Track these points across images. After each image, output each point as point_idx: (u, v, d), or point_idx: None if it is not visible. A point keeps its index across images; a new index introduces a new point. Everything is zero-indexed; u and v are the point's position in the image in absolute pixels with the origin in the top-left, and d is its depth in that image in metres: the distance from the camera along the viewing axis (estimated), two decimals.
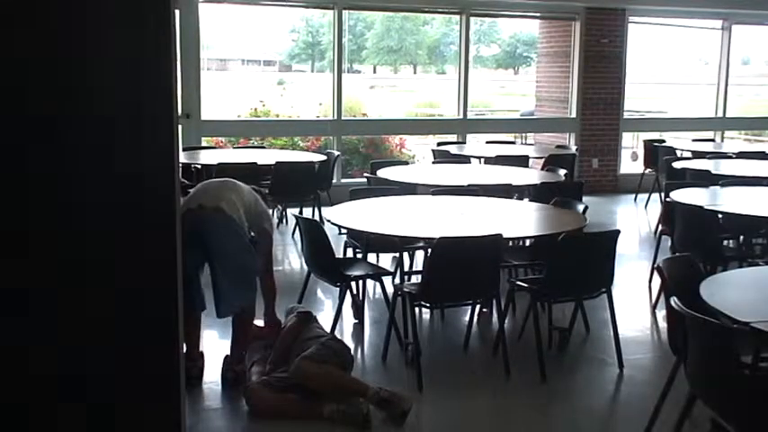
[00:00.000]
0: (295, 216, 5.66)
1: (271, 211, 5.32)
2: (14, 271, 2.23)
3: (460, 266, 4.19)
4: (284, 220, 8.30)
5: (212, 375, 4.22)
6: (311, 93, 14.48)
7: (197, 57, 9.08)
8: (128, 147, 2.29)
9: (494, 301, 4.62)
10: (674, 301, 3.00)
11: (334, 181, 8.42)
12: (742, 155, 8.84)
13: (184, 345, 3.77)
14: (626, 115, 11.16)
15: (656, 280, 5.33)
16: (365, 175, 7.15)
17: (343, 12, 9.79)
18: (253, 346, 4.37)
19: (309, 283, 5.13)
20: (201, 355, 4.32)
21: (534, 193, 6.25)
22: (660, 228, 6.74)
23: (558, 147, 9.77)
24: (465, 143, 9.85)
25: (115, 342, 2.34)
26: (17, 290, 2.24)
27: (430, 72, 22.86)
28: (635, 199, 10.11)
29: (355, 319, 5.22)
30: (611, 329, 4.57)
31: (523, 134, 12.66)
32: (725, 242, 5.94)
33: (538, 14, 11.33)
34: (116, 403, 2.38)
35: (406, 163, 8.82)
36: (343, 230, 5.19)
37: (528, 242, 5.65)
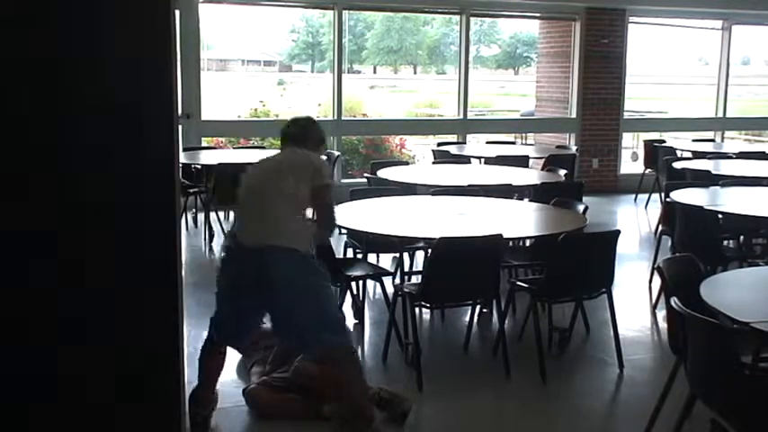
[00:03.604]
0: None
1: None
2: (15, 271, 2.23)
3: (460, 267, 4.18)
4: None
5: None
6: (311, 93, 14.50)
7: (197, 57, 9.08)
8: (128, 147, 2.29)
9: (494, 302, 4.62)
10: (674, 301, 3.00)
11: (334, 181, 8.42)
12: (742, 155, 8.83)
13: (204, 379, 3.67)
14: (626, 115, 11.15)
15: (656, 280, 5.34)
16: (365, 175, 7.14)
17: (344, 12, 9.79)
18: (252, 346, 4.36)
19: None
20: (216, 396, 3.75)
21: (534, 193, 6.24)
22: (660, 228, 6.74)
23: (558, 147, 9.77)
24: (465, 143, 9.84)
25: (115, 342, 2.34)
26: (18, 290, 2.24)
27: (430, 72, 22.91)
28: (635, 199, 10.11)
29: (355, 319, 5.21)
30: (611, 329, 4.57)
31: (523, 134, 12.67)
32: (725, 242, 5.94)
33: (538, 14, 11.32)
34: (116, 403, 2.38)
35: (407, 163, 8.81)
36: (343, 230, 5.19)
37: (528, 242, 5.65)
